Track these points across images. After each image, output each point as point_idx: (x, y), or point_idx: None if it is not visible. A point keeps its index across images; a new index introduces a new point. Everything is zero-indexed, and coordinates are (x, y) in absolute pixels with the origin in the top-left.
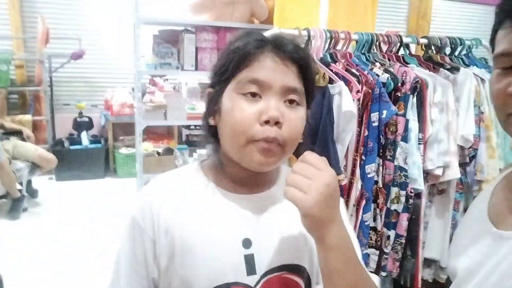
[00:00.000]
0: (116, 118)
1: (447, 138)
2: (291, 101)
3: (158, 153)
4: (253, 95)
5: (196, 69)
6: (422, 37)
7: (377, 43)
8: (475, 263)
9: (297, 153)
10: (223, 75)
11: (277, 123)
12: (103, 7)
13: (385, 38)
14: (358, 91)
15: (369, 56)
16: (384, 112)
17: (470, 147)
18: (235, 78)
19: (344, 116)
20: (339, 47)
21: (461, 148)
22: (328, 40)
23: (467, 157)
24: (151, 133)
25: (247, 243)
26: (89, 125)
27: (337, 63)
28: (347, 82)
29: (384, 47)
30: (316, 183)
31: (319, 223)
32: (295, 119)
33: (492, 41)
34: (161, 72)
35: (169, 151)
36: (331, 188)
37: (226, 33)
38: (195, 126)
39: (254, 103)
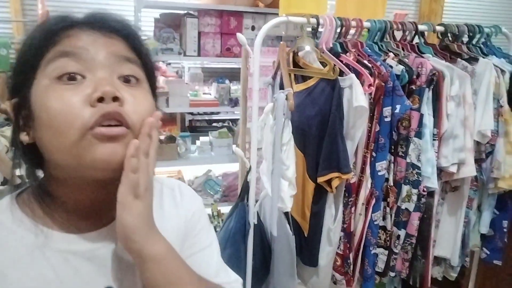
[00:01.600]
0: None
1: (463, 134)
2: (127, 80)
3: (160, 141)
4: (72, 78)
5: (199, 54)
6: (438, 25)
7: (391, 31)
8: None
9: (305, 153)
10: (25, 66)
11: (115, 99)
12: None
13: (399, 26)
14: (370, 85)
15: (381, 45)
16: (398, 106)
17: (487, 143)
18: (43, 62)
19: (355, 111)
20: (349, 36)
21: (478, 143)
22: (339, 29)
23: (484, 153)
24: None
25: None
26: None
27: (347, 54)
28: (359, 75)
29: (398, 35)
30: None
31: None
32: (140, 97)
33: None
34: (163, 58)
35: (171, 139)
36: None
37: (230, 17)
38: (198, 113)
39: (77, 87)
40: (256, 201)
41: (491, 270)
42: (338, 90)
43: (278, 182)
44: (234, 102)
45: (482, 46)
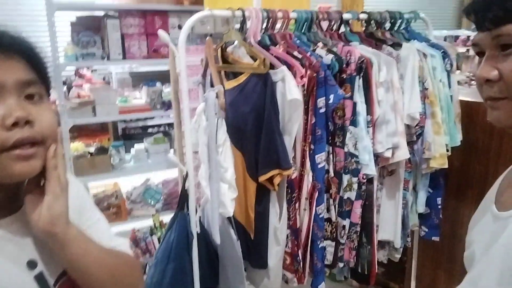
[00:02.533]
0: None
1: (394, 118)
2: (30, 96)
3: (91, 153)
4: None
5: (124, 57)
6: (361, 12)
7: (317, 21)
8: (484, 247)
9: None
10: None
11: (27, 122)
12: None
13: (325, 15)
14: (302, 76)
15: (310, 35)
16: (331, 96)
17: (416, 125)
18: None
19: (289, 104)
20: (277, 28)
21: (408, 126)
22: (265, 20)
23: (414, 135)
24: (82, 130)
25: (32, 265)
26: None
27: (277, 46)
28: (290, 67)
29: (324, 25)
30: None
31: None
32: (45, 112)
33: None
34: (84, 63)
35: (102, 150)
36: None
37: (155, 17)
38: (133, 126)
39: None
40: (198, 208)
41: (431, 246)
42: (270, 84)
43: (218, 186)
44: (167, 106)
45: (404, 32)
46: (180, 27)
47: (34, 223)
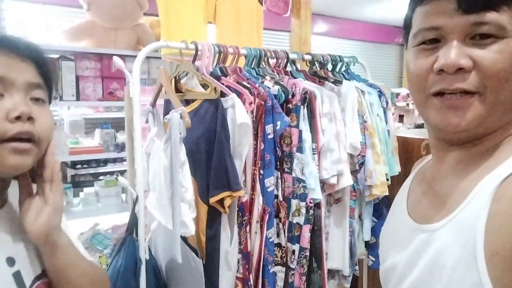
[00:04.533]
0: None
1: (338, 147)
2: (36, 99)
3: None
4: None
5: (78, 99)
6: (306, 54)
7: (266, 58)
8: (407, 262)
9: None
10: None
11: (29, 118)
12: None
13: (273, 54)
14: (251, 103)
15: (258, 70)
16: (278, 123)
17: (358, 155)
18: None
19: (239, 129)
20: (227, 63)
21: (351, 156)
22: (217, 55)
23: (357, 164)
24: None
25: (10, 262)
26: None
27: (227, 77)
28: (239, 95)
29: (272, 63)
30: None
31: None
32: (45, 115)
33: (409, 21)
34: None
35: None
36: None
37: (111, 61)
38: (81, 165)
39: None
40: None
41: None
42: (221, 109)
43: (179, 207)
44: (120, 148)
45: (344, 73)
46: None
47: (30, 229)
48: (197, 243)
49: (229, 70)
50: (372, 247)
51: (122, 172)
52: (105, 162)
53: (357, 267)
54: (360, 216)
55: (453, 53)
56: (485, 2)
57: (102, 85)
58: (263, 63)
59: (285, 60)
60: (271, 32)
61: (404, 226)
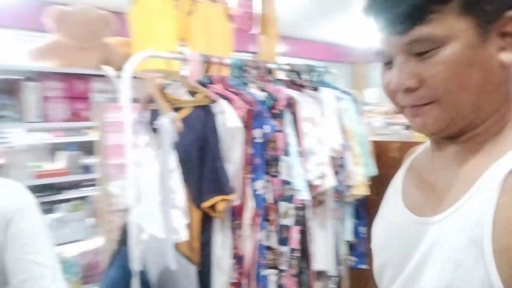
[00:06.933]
0: None
1: (320, 150)
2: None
3: None
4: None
5: (45, 120)
6: (285, 64)
7: (247, 68)
8: (406, 256)
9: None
10: None
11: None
12: None
13: (254, 64)
14: (240, 108)
15: (243, 79)
16: (266, 127)
17: (339, 157)
18: None
19: (230, 133)
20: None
21: (332, 158)
22: (203, 64)
23: (338, 166)
24: None
25: None
26: None
27: (215, 85)
28: (229, 101)
29: (252, 73)
30: None
31: None
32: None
33: None
34: None
35: None
36: None
37: (77, 81)
38: (48, 193)
39: None
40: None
41: (362, 275)
42: (212, 114)
43: (170, 213)
44: (87, 170)
45: (318, 81)
46: (106, 91)
47: None
48: (190, 250)
49: (216, 79)
50: (353, 248)
51: (83, 198)
52: (69, 187)
53: (341, 268)
54: (342, 217)
55: (396, 75)
56: (410, 21)
57: (68, 106)
58: (245, 73)
59: (265, 69)
60: (240, 54)
61: (402, 220)
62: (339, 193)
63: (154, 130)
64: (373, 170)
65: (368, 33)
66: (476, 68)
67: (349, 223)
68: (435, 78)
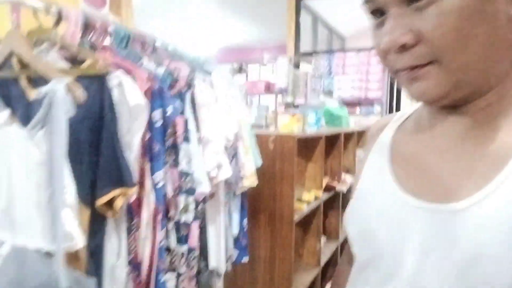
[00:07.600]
0: None
1: (215, 138)
2: None
3: None
4: None
5: None
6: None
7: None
8: (422, 252)
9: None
10: None
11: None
12: None
13: (140, 37)
14: (142, 81)
15: (130, 52)
16: (169, 108)
17: (231, 146)
18: None
19: (130, 112)
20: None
21: (225, 148)
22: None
23: (231, 156)
24: None
25: None
26: None
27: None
28: (127, 73)
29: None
30: None
31: None
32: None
33: None
34: None
35: None
36: None
37: None
38: None
39: None
40: None
41: (246, 268)
42: (107, 88)
43: (60, 213)
44: None
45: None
46: None
47: None
48: (74, 258)
49: (101, 46)
50: (236, 241)
51: None
52: None
53: (228, 263)
54: (232, 209)
55: (389, 30)
56: None
57: None
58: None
59: (154, 44)
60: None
61: (402, 208)
62: (229, 184)
63: (7, 102)
64: (259, 161)
65: None
66: (483, 21)
67: (236, 216)
68: (435, 31)
